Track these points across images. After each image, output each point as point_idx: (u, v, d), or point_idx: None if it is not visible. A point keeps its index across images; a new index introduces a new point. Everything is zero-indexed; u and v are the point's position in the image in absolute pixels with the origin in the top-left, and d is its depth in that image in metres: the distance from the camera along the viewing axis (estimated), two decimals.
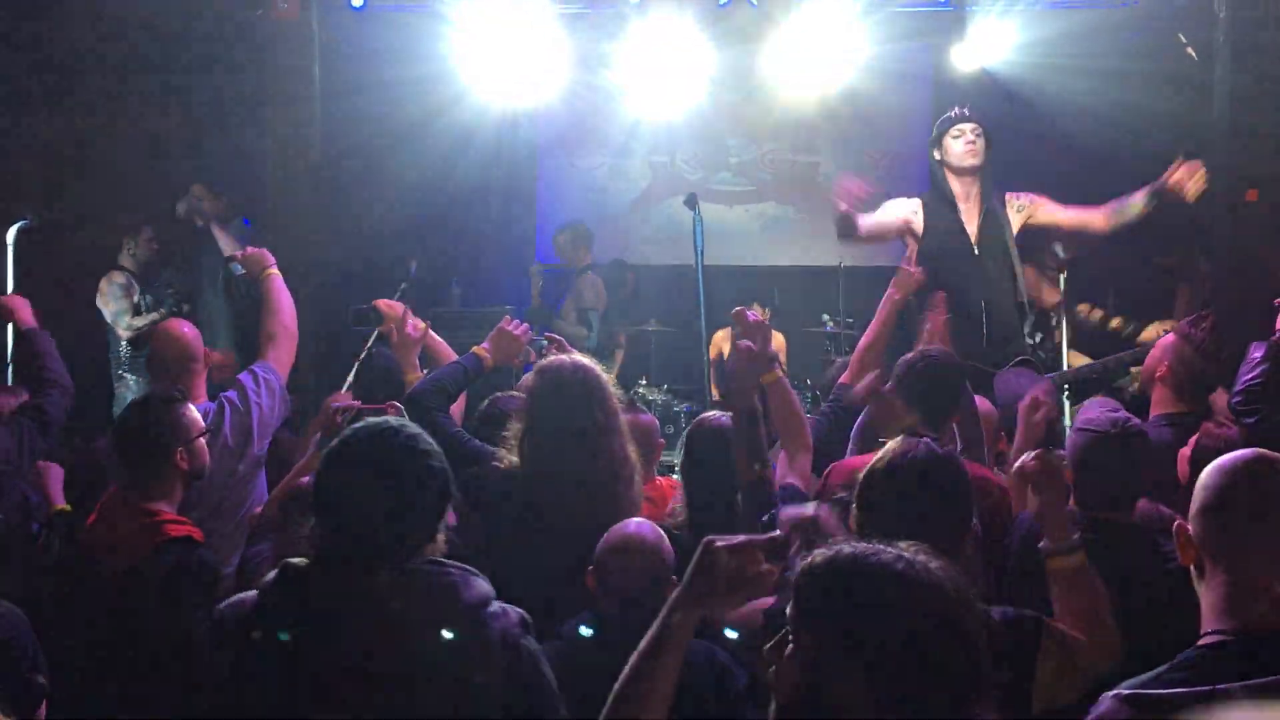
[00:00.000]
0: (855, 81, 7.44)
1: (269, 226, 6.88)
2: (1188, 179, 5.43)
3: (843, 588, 1.62)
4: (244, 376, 4.13)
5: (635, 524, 2.83)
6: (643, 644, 1.82)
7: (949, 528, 2.34)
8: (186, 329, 4.27)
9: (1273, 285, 6.28)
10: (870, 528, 2.30)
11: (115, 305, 7.05)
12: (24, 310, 4.57)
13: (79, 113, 7.34)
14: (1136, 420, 3.20)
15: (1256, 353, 3.98)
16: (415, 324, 4.11)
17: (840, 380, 4.21)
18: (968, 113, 5.63)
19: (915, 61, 8.06)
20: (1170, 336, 4.26)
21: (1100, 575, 2.89)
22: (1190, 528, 2.00)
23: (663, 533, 2.83)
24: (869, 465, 2.47)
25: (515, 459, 3.23)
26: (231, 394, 4.07)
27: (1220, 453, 3.49)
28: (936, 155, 5.71)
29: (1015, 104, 7.10)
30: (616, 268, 8.32)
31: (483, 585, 2.17)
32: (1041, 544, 2.63)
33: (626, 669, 1.82)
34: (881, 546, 1.65)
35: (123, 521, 3.26)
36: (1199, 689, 1.79)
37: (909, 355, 3.79)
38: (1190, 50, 6.82)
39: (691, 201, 6.04)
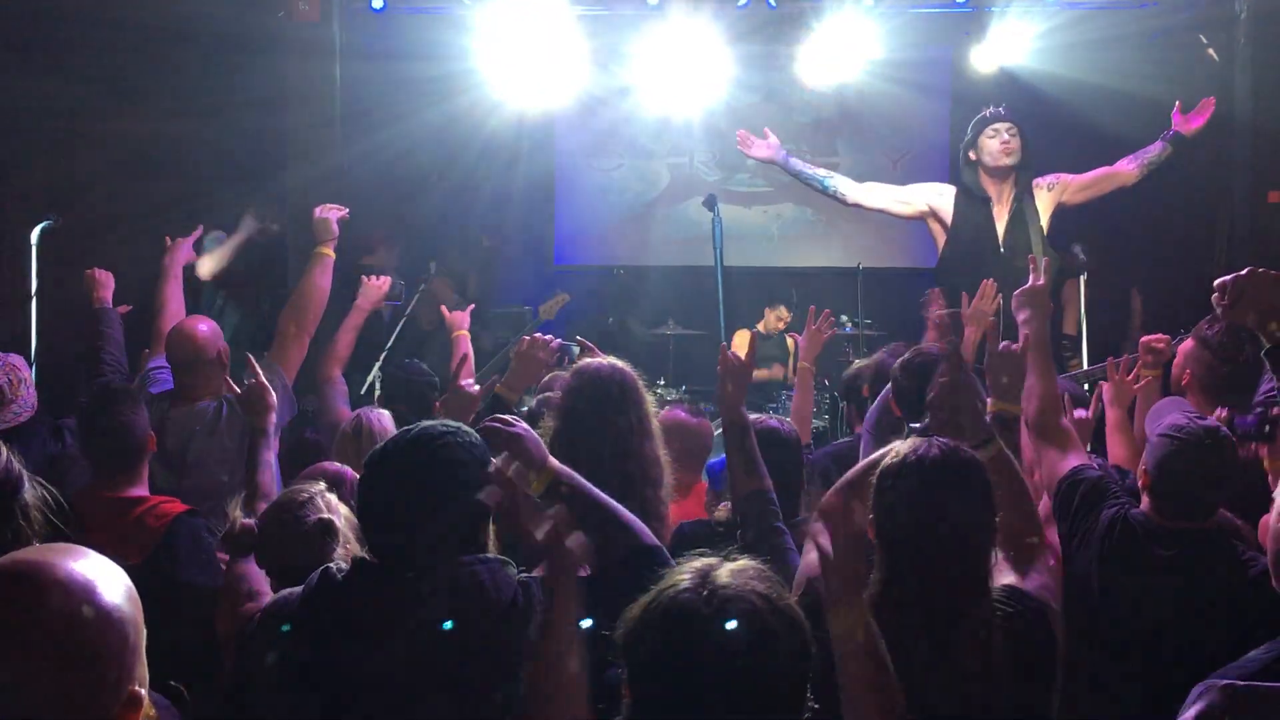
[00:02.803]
0: (873, 82, 7.44)
1: (289, 226, 6.91)
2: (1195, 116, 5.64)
3: (664, 631, 1.64)
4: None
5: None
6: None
7: (972, 526, 2.26)
8: (202, 326, 4.29)
9: None
10: (887, 531, 2.28)
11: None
12: (106, 288, 4.65)
13: (100, 115, 7.39)
14: (1226, 429, 3.10)
15: (1268, 384, 3.94)
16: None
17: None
18: (1003, 111, 5.64)
19: (933, 62, 8.05)
20: (1188, 342, 4.24)
21: (1183, 585, 2.84)
22: None
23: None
24: (881, 464, 2.35)
25: None
26: (231, 395, 4.10)
27: (1250, 465, 3.47)
28: (972, 155, 5.71)
29: (1034, 105, 7.07)
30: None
31: (510, 576, 2.20)
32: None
33: None
34: (683, 581, 1.67)
35: (117, 517, 3.29)
36: None
37: (907, 355, 3.82)
38: (1211, 51, 6.79)
39: (710, 202, 6.06)
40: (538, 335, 3.80)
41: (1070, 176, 5.80)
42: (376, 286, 5.05)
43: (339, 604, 2.17)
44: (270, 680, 2.19)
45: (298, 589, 2.27)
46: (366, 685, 2.11)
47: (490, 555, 2.25)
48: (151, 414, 3.75)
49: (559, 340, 3.87)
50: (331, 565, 2.24)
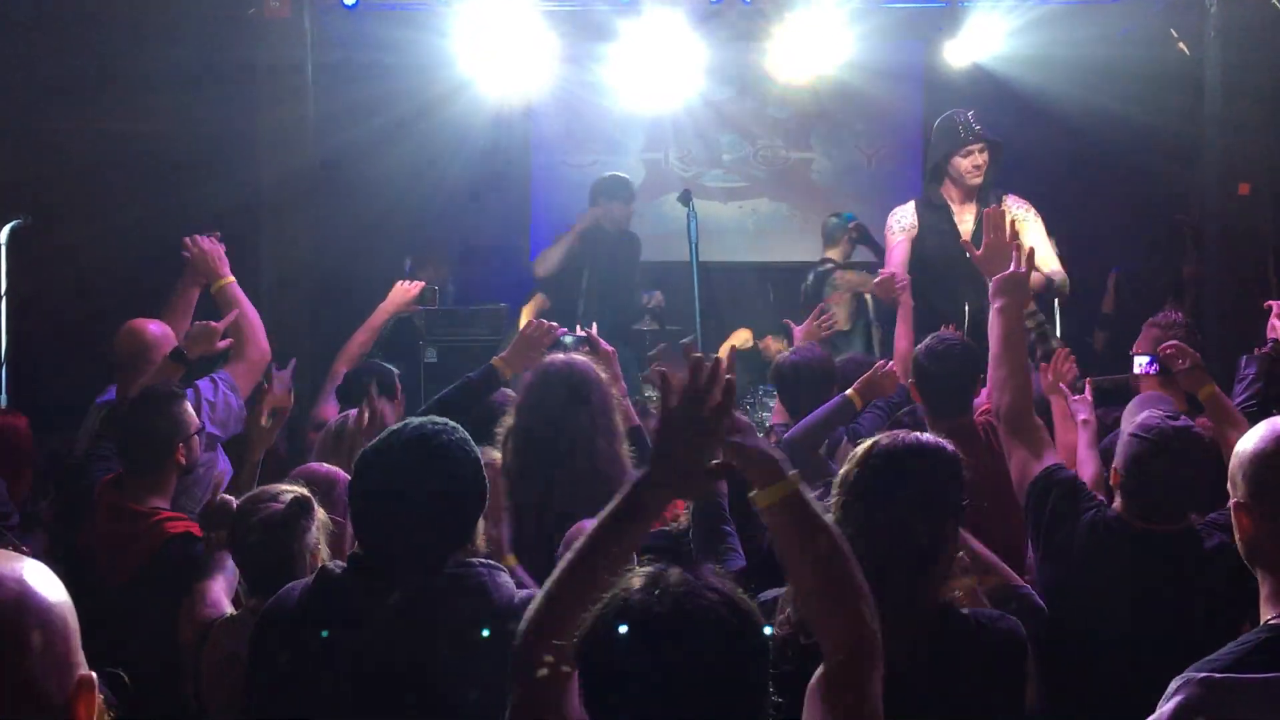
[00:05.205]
0: (847, 77, 7.46)
1: (263, 226, 6.87)
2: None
3: (619, 635, 1.60)
4: (203, 383, 4.09)
5: None
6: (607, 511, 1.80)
7: (927, 513, 2.27)
8: (153, 327, 4.23)
9: (1265, 279, 6.33)
10: (850, 514, 2.26)
11: None
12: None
13: (69, 112, 7.32)
14: (1196, 425, 3.07)
15: (1248, 370, 3.98)
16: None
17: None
18: (978, 130, 5.61)
19: (907, 57, 8.07)
20: (1145, 329, 4.38)
21: (1154, 590, 2.86)
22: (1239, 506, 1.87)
23: None
24: (858, 456, 2.34)
25: (497, 455, 3.24)
26: (188, 392, 4.06)
27: (1216, 445, 3.51)
28: (944, 166, 5.74)
29: (1006, 99, 7.11)
30: None
31: (506, 578, 2.20)
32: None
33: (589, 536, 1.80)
34: (635, 584, 1.63)
35: (122, 524, 3.27)
36: None
37: (929, 342, 3.91)
38: (1182, 45, 6.84)
39: (685, 198, 6.06)
40: (544, 321, 3.84)
41: (1035, 223, 5.65)
42: (404, 290, 4.99)
43: (341, 604, 2.15)
44: (273, 683, 2.16)
45: (294, 593, 2.24)
46: (372, 686, 2.09)
47: (486, 559, 2.25)
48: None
49: (561, 330, 3.90)
50: (330, 565, 2.23)
